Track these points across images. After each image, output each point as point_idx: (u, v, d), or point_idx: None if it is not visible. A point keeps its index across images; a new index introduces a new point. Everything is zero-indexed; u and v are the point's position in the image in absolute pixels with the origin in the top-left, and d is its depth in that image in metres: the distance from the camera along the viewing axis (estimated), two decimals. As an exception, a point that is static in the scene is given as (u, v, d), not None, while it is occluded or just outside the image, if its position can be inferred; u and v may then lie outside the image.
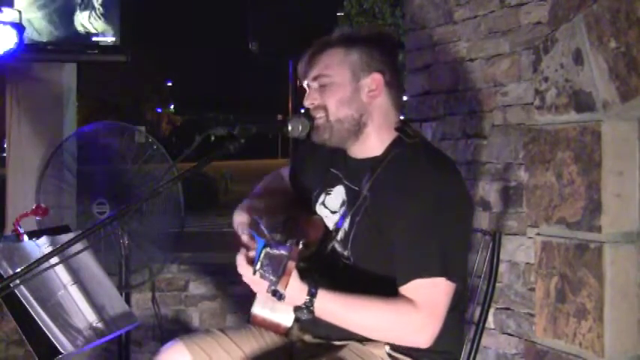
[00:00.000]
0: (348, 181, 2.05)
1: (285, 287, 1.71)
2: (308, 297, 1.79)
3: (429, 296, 1.82)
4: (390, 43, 2.05)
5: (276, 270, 1.69)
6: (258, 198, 2.23)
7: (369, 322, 1.86)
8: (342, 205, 2.04)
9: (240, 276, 1.91)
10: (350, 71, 1.97)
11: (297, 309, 1.82)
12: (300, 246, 1.80)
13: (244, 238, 1.96)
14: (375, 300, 1.84)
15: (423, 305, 1.81)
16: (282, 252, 1.71)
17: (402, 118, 2.07)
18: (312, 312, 1.81)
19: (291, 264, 1.71)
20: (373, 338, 1.92)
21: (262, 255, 1.71)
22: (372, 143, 2.01)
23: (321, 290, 1.81)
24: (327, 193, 2.10)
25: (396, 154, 1.97)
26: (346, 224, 2.00)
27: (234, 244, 2.00)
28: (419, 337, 1.84)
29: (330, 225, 2.06)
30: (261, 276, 1.71)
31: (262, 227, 2.00)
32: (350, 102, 1.97)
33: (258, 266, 1.71)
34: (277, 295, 1.74)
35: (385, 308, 1.83)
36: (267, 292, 1.73)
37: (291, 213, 2.16)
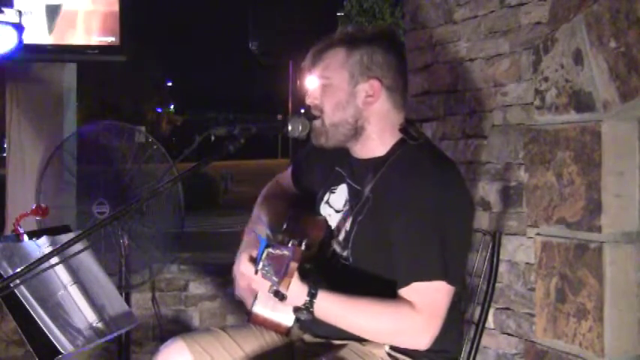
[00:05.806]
0: (352, 180, 2.04)
1: (287, 288, 1.72)
2: (308, 297, 1.80)
3: (429, 299, 1.81)
4: (394, 43, 2.03)
5: (278, 271, 1.70)
6: (263, 210, 2.21)
7: (369, 325, 1.85)
8: (346, 204, 2.04)
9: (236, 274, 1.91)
10: (349, 75, 1.96)
11: (296, 309, 1.82)
12: (303, 247, 1.80)
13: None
14: (375, 302, 1.84)
15: (423, 308, 1.81)
16: (285, 252, 1.71)
17: (406, 118, 2.05)
18: (311, 313, 1.81)
19: (294, 265, 1.71)
20: (372, 340, 1.92)
21: (264, 255, 1.71)
22: (374, 144, 2.00)
23: (321, 291, 1.81)
24: (332, 192, 2.09)
25: (399, 155, 1.97)
26: (348, 224, 1.99)
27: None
28: (418, 340, 1.84)
29: (334, 224, 2.05)
30: (263, 276, 1.71)
31: (265, 227, 2.00)
32: (346, 106, 1.96)
33: (260, 266, 1.72)
34: (279, 296, 1.74)
35: (385, 311, 1.83)
36: (269, 292, 1.74)
37: (292, 213, 2.16)
